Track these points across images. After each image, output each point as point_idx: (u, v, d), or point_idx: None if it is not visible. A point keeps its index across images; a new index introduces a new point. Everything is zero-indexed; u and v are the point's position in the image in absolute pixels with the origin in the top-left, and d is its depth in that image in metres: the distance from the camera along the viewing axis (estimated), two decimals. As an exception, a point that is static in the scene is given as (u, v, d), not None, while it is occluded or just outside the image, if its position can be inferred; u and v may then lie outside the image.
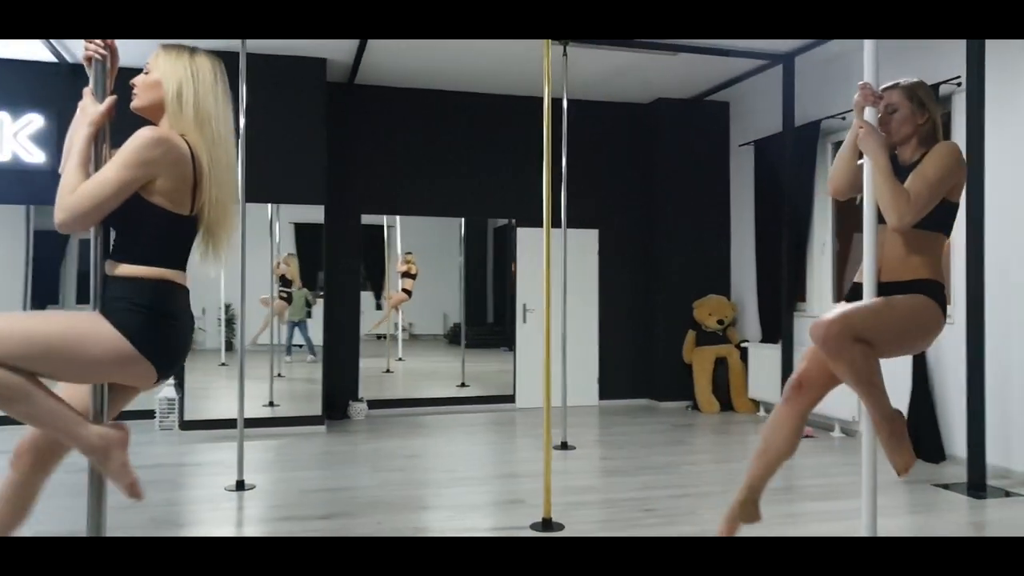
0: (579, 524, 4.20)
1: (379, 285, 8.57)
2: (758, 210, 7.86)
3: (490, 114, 8.13)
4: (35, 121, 6.96)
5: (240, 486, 4.93)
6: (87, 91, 2.04)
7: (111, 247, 2.08)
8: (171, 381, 7.08)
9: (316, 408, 7.04)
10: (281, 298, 7.81)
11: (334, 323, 7.56)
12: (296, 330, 7.83)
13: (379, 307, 8.46)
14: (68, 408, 1.98)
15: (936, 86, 5.55)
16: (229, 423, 6.58)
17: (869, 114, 2.59)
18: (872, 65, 2.59)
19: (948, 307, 2.68)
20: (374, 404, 7.85)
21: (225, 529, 4.17)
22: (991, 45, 5.23)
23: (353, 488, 5.05)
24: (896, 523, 4.29)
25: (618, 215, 8.50)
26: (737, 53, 6.78)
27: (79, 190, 1.93)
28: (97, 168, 1.98)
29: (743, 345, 8.02)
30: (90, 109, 2.01)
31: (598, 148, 8.31)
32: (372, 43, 6.47)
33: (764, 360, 7.62)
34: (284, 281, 7.72)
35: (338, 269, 7.67)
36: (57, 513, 4.17)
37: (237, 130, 4.97)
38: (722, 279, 8.53)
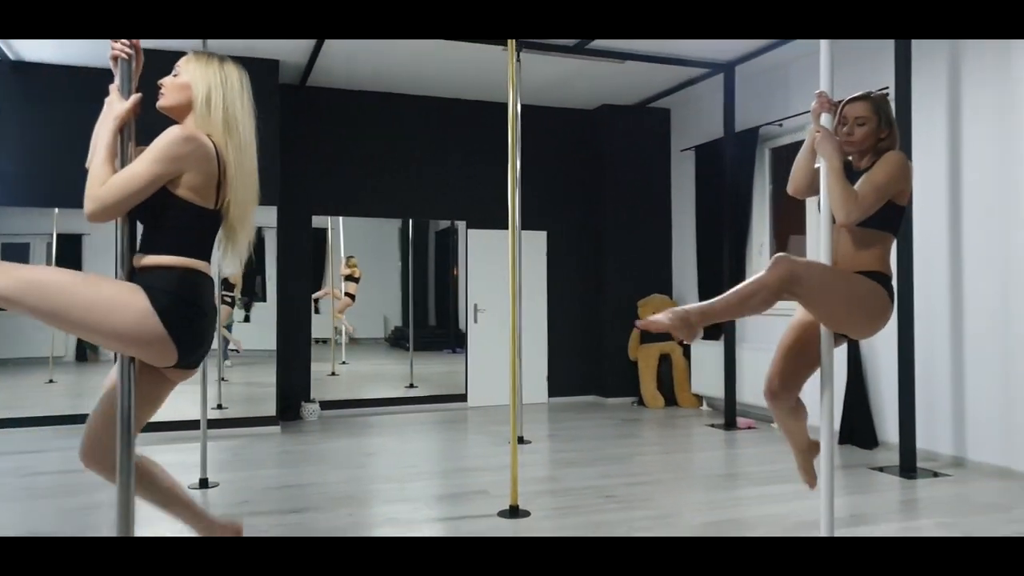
0: (544, 511, 4.38)
1: (318, 288, 8.61)
2: (699, 213, 8.17)
3: (441, 118, 8.28)
4: None
5: (204, 484, 4.98)
6: (113, 88, 2.14)
7: (139, 242, 2.18)
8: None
9: (268, 409, 7.07)
10: (224, 302, 7.82)
11: (286, 326, 7.59)
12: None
13: (316, 311, 8.49)
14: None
15: (869, 94, 5.90)
16: (177, 425, 6.61)
17: (825, 120, 2.83)
18: (827, 73, 2.82)
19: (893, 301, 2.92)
20: (326, 405, 7.91)
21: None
22: (915, 57, 5.61)
23: (318, 484, 5.14)
24: (840, 503, 4.58)
25: (565, 217, 8.73)
26: (679, 62, 7.07)
27: (110, 182, 2.03)
28: (123, 163, 2.08)
29: (686, 343, 8.31)
30: (116, 106, 2.10)
31: (546, 152, 8.53)
32: (327, 46, 6.56)
33: (706, 357, 7.93)
34: (227, 285, 7.74)
35: (289, 272, 7.71)
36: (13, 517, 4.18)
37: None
38: (665, 279, 8.83)
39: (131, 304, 2.04)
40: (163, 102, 2.25)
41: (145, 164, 2.05)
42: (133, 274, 2.12)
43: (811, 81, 6.64)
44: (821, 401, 2.84)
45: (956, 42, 5.53)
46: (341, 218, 8.25)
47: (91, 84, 7.08)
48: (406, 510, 4.49)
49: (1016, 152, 5.12)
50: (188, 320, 2.13)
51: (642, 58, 6.93)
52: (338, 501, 4.71)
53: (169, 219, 2.14)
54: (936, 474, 5.24)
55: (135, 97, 2.13)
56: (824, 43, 2.83)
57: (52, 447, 6.28)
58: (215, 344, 7.43)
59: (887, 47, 5.73)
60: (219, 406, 7.30)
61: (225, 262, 2.30)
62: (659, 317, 2.62)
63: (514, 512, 4.29)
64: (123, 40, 2.10)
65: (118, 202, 2.03)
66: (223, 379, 7.53)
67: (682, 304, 8.40)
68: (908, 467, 5.28)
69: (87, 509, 4.53)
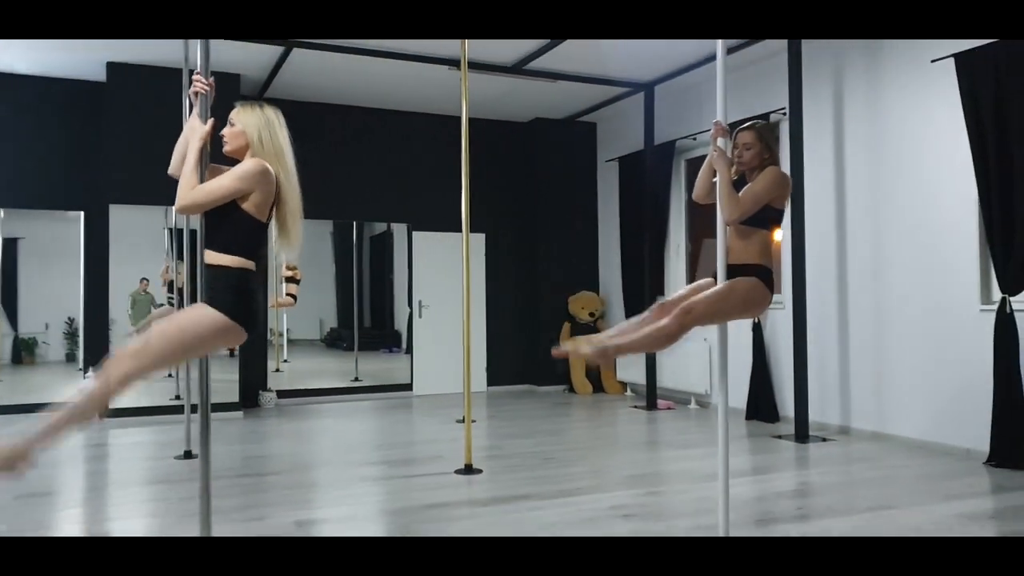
0: (493, 470, 5.10)
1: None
2: (622, 217, 9.01)
3: (386, 128, 8.93)
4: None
5: (188, 455, 5.55)
6: (195, 115, 2.76)
7: (203, 237, 2.82)
8: (92, 373, 7.48)
9: (231, 397, 7.61)
10: (171, 303, 8.37)
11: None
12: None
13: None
14: None
15: (767, 115, 6.83)
16: (153, 410, 7.18)
17: (720, 143, 3.61)
18: (722, 105, 3.60)
19: (775, 287, 3.73)
20: (281, 394, 8.47)
21: (192, 487, 4.80)
22: (806, 83, 6.54)
23: (289, 454, 5.77)
24: (742, 460, 5.43)
25: (502, 221, 9.47)
26: (605, 81, 7.90)
27: (200, 188, 2.67)
28: (202, 172, 2.72)
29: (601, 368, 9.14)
30: (199, 129, 2.73)
31: (485, 161, 9.24)
32: (287, 62, 7.17)
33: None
34: (172, 287, 8.31)
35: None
36: None
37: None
38: (592, 277, 9.65)
39: (204, 317, 2.70)
40: (227, 149, 2.89)
41: (228, 181, 2.70)
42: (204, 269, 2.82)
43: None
44: (720, 378, 3.60)
45: (840, 66, 6.48)
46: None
47: (57, 93, 7.56)
48: (373, 471, 5.17)
49: (884, 159, 6.08)
50: (247, 305, 2.78)
51: (571, 78, 7.74)
52: (311, 465, 5.36)
53: (231, 224, 2.78)
54: (825, 439, 6.15)
55: (211, 122, 2.77)
56: (720, 73, 3.60)
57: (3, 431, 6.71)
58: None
59: (783, 73, 6.63)
60: (176, 396, 7.85)
61: (282, 257, 2.96)
62: (584, 350, 3.32)
63: (468, 469, 5.00)
64: (203, 78, 2.74)
65: (202, 204, 2.69)
66: (169, 375, 8.10)
67: (607, 298, 9.25)
68: (802, 434, 6.17)
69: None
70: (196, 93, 2.78)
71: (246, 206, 2.77)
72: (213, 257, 2.80)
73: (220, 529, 3.52)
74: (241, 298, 2.75)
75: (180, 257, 8.24)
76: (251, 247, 2.82)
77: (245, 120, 2.85)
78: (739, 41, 6.70)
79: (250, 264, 2.83)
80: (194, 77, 2.77)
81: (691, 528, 3.78)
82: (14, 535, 3.81)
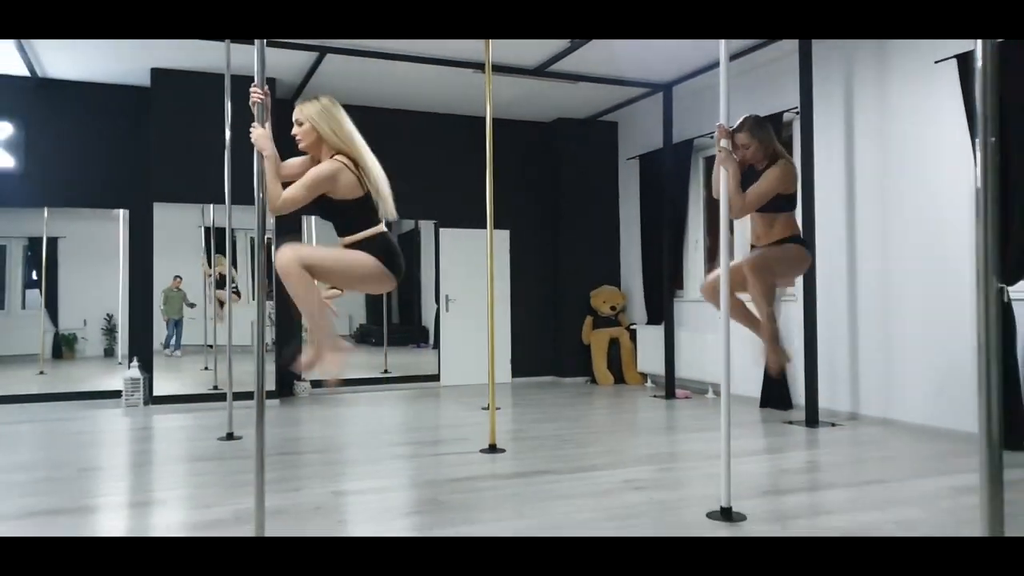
0: (516, 449, 5.43)
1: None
2: (643, 213, 9.30)
3: (415, 129, 9.29)
4: (5, 129, 7.71)
5: (230, 436, 5.94)
6: (256, 126, 3.09)
7: (337, 231, 3.28)
8: (136, 363, 7.93)
9: (267, 386, 7.97)
10: (236, 292, 8.91)
11: (282, 319, 8.46)
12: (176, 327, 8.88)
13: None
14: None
15: (780, 114, 7.10)
16: (189, 398, 7.62)
17: (724, 143, 3.91)
18: (725, 107, 3.90)
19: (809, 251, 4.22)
20: (314, 385, 8.85)
21: (237, 464, 5.17)
22: (817, 83, 6.79)
23: (327, 435, 6.14)
24: (753, 442, 5.72)
25: (526, 218, 9.80)
26: (624, 82, 8.20)
27: (284, 194, 3.08)
28: (258, 176, 3.04)
29: (632, 327, 9.46)
30: (263, 140, 3.07)
31: (509, 159, 9.57)
32: (321, 66, 7.55)
33: (650, 339, 9.05)
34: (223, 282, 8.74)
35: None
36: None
37: (223, 141, 6.04)
38: (613, 272, 9.95)
39: (369, 259, 3.20)
40: (302, 146, 3.26)
41: (301, 190, 3.12)
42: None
43: (737, 99, 7.80)
44: (724, 365, 3.90)
45: (850, 66, 6.73)
46: (313, 219, 9.16)
47: (103, 98, 8.00)
48: (403, 450, 5.52)
49: (892, 157, 6.33)
50: (394, 260, 3.24)
51: (592, 79, 8.04)
52: (344, 445, 5.72)
53: (338, 214, 3.22)
54: (834, 424, 6.40)
55: (268, 125, 3.12)
56: (723, 77, 3.90)
57: (56, 416, 7.16)
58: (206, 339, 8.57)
59: (795, 74, 6.88)
60: (215, 387, 8.27)
61: (385, 220, 3.31)
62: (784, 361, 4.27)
63: (492, 449, 5.33)
64: (259, 88, 3.08)
65: (289, 207, 3.13)
66: (206, 368, 8.53)
67: (627, 293, 9.54)
68: (812, 420, 6.44)
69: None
70: (253, 103, 3.12)
71: (337, 197, 3.17)
72: (347, 241, 3.26)
73: (266, 500, 3.88)
74: (389, 253, 3.23)
75: (219, 251, 8.71)
76: (366, 219, 3.24)
77: (308, 115, 3.22)
78: (748, 44, 6.99)
79: (378, 229, 3.26)
80: (251, 89, 3.11)
81: (697, 498, 4.08)
82: (83, 506, 4.21)
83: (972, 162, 5.49)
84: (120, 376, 8.36)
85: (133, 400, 7.77)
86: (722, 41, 3.93)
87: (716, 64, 7.53)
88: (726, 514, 3.71)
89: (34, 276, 11.44)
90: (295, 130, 3.28)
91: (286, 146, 3.31)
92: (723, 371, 3.86)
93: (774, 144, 4.06)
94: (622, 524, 3.64)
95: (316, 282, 3.23)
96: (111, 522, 3.85)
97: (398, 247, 3.34)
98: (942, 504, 3.97)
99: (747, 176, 3.97)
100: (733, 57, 7.40)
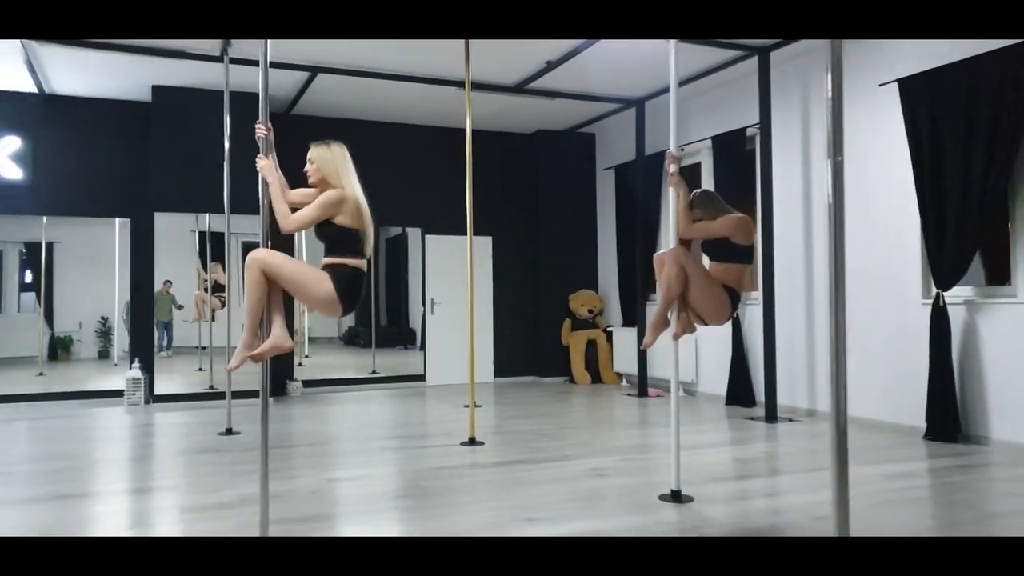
0: (493, 443, 5.90)
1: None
2: (618, 221, 9.78)
3: (405, 141, 9.75)
4: (13, 143, 8.14)
5: (229, 432, 6.37)
6: (261, 157, 3.54)
7: (324, 250, 3.64)
8: (138, 364, 8.35)
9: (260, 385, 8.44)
10: (222, 302, 9.37)
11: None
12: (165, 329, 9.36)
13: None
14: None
15: (743, 129, 7.61)
16: (188, 397, 8.07)
17: (673, 168, 4.41)
18: (674, 134, 4.39)
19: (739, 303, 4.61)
20: (305, 384, 9.30)
21: (237, 455, 5.62)
22: (775, 100, 7.29)
23: (318, 430, 6.59)
24: (713, 436, 6.21)
25: (508, 225, 10.27)
26: (599, 98, 8.69)
27: (293, 218, 3.49)
28: (264, 199, 3.51)
29: (608, 329, 9.94)
30: (267, 170, 3.52)
31: (492, 169, 10.04)
32: (313, 83, 8.00)
33: (625, 341, 9.53)
34: (218, 286, 9.19)
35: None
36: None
37: (223, 153, 6.50)
38: (591, 276, 10.44)
39: (325, 282, 3.53)
40: (311, 181, 3.70)
41: (313, 211, 3.54)
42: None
43: (704, 114, 8.34)
44: (674, 365, 4.38)
45: (806, 85, 7.23)
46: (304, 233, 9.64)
47: (106, 113, 8.42)
48: (389, 443, 5.98)
49: (852, 170, 6.84)
50: (350, 295, 3.59)
51: (568, 95, 8.53)
52: (335, 438, 6.18)
53: (337, 238, 3.61)
54: (791, 420, 6.90)
55: (273, 157, 3.57)
56: (672, 105, 4.41)
57: (62, 414, 7.58)
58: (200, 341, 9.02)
59: (755, 92, 7.37)
60: (211, 387, 8.72)
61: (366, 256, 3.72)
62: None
63: (472, 442, 5.80)
64: (262, 125, 3.54)
65: (299, 228, 3.52)
66: (199, 368, 8.96)
67: (606, 296, 10.03)
68: (771, 416, 6.93)
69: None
70: (259, 138, 3.58)
71: (338, 221, 3.59)
72: (329, 260, 3.63)
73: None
74: (350, 287, 3.59)
75: (215, 259, 9.15)
76: (352, 249, 3.63)
77: (318, 157, 3.68)
78: (710, 64, 7.50)
79: (358, 262, 3.64)
80: (256, 125, 3.57)
81: (654, 484, 4.55)
82: (94, 493, 4.65)
83: (912, 175, 6.03)
84: (116, 376, 8.80)
85: (135, 399, 8.19)
86: (672, 70, 4.43)
87: (685, 81, 8.08)
88: (676, 496, 4.18)
89: (27, 280, 11.83)
90: (307, 167, 3.73)
91: (282, 158, 3.77)
92: (672, 368, 4.35)
93: (725, 209, 4.57)
94: (583, 505, 4.12)
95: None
96: (128, 505, 4.29)
97: (363, 288, 3.69)
98: (866, 488, 4.45)
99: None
100: (695, 77, 7.92)
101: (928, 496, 4.36)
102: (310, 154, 3.75)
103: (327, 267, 3.64)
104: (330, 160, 3.71)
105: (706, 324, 4.53)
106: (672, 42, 4.51)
